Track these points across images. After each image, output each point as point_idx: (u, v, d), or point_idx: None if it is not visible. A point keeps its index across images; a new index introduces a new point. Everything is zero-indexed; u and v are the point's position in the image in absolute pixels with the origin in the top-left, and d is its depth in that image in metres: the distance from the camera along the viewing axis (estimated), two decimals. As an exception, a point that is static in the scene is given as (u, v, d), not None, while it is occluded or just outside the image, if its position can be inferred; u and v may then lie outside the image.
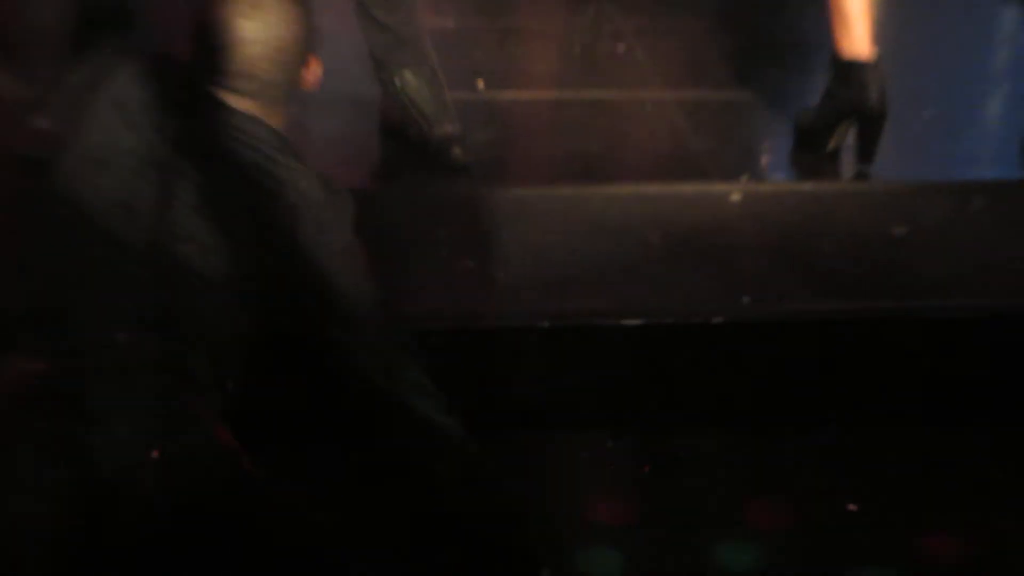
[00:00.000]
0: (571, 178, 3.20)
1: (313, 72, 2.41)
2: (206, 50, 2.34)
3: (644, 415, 2.66)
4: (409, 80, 3.03)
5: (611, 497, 2.46)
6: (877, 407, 2.67)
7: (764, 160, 3.42)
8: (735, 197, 2.94)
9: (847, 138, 3.23)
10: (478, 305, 2.64)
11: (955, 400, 2.69)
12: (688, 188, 3.08)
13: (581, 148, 3.35)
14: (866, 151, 3.21)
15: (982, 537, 2.38)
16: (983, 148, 3.63)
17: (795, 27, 4.19)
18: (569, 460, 2.60)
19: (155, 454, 2.07)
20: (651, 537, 2.35)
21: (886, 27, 3.46)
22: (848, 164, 3.22)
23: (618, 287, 2.75)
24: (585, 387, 2.63)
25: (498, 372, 2.59)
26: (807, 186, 3.26)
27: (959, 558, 2.35)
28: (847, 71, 3.19)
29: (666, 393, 2.66)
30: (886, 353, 2.70)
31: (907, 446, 2.62)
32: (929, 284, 2.77)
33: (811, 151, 3.30)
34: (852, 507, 2.43)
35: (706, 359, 2.66)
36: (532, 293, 2.71)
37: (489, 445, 2.25)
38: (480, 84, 3.54)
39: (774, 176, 3.31)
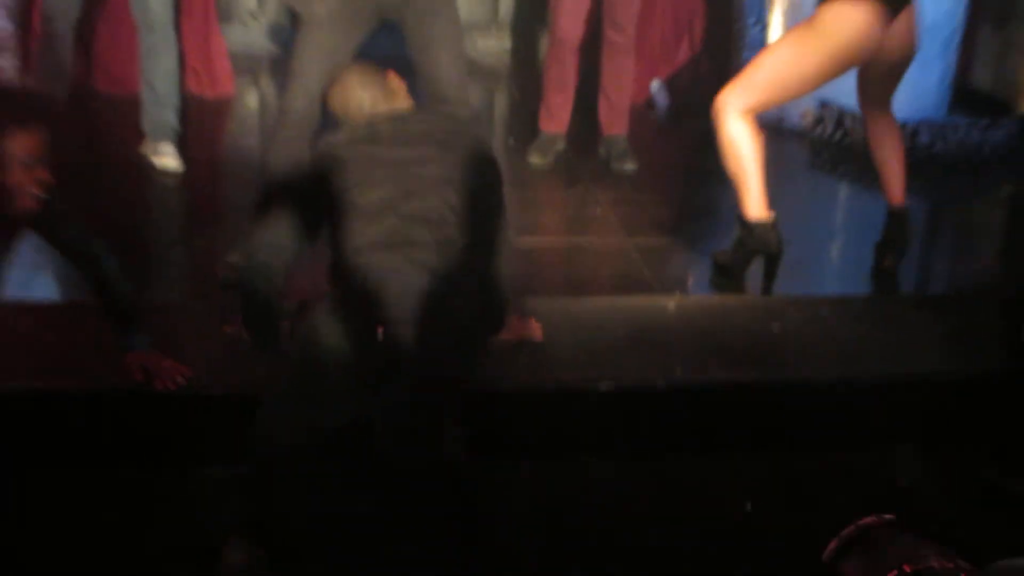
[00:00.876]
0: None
1: None
2: None
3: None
4: None
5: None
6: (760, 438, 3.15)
7: (691, 282, 4.08)
8: (671, 306, 3.59)
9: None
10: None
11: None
12: (640, 299, 3.71)
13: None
14: (768, 279, 3.81)
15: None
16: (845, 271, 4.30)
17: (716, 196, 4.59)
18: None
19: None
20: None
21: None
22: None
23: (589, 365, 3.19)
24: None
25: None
26: (719, 299, 3.88)
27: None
28: (750, 227, 3.74)
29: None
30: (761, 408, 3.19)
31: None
32: (791, 359, 3.32)
33: (728, 279, 3.86)
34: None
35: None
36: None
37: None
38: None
39: (699, 292, 3.96)
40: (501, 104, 6.03)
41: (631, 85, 5.10)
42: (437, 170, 2.63)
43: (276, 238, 2.68)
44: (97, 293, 2.91)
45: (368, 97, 2.78)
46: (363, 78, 2.83)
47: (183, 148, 4.75)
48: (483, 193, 2.70)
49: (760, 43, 5.73)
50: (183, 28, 5.54)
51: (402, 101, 2.84)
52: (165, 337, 3.07)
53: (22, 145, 2.48)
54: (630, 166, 4.95)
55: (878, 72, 3.78)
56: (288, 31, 5.56)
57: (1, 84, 2.65)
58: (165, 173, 4.57)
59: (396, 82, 2.85)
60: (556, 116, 4.97)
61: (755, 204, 3.73)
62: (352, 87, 2.82)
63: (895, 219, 3.97)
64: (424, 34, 3.54)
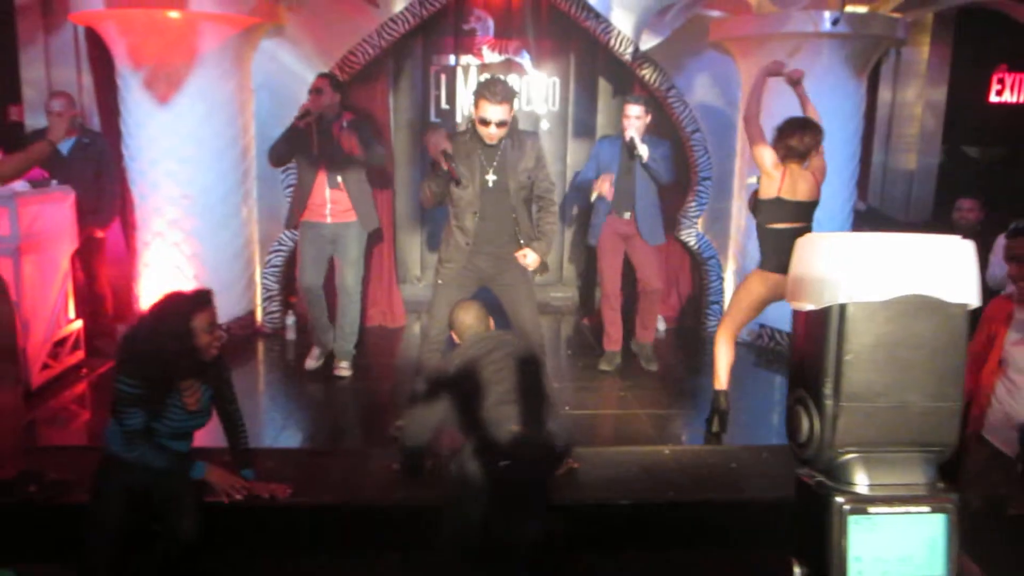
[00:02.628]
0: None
1: None
2: None
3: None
4: None
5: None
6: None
7: (683, 436, 4.02)
8: (666, 451, 3.60)
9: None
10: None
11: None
12: (647, 448, 3.67)
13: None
14: (722, 427, 3.84)
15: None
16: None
17: (695, 385, 4.69)
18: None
19: None
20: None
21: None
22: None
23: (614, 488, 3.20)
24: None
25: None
26: (697, 448, 3.77)
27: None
28: (717, 393, 3.82)
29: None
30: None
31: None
32: (744, 485, 3.28)
33: (710, 430, 3.87)
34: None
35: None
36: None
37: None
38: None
39: (685, 444, 3.92)
40: (565, 330, 6.13)
41: (656, 312, 4.97)
42: (512, 362, 2.73)
43: (426, 410, 2.80)
44: (228, 434, 2.94)
45: (472, 322, 2.93)
46: (468, 312, 2.97)
47: (373, 356, 4.86)
48: (537, 373, 2.79)
49: (719, 291, 5.80)
50: (376, 288, 5.89)
51: (489, 325, 2.97)
52: (355, 471, 3.14)
53: (206, 319, 2.63)
54: (653, 367, 4.82)
55: None
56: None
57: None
58: (341, 378, 4.61)
59: (483, 313, 2.98)
60: (613, 339, 4.83)
61: (717, 380, 3.87)
62: (463, 317, 2.96)
63: None
64: (510, 296, 3.63)
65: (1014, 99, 6.07)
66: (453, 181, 3.40)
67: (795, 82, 3.81)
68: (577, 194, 4.71)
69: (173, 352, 2.56)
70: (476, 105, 3.31)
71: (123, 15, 4.65)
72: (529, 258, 3.47)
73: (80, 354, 4.62)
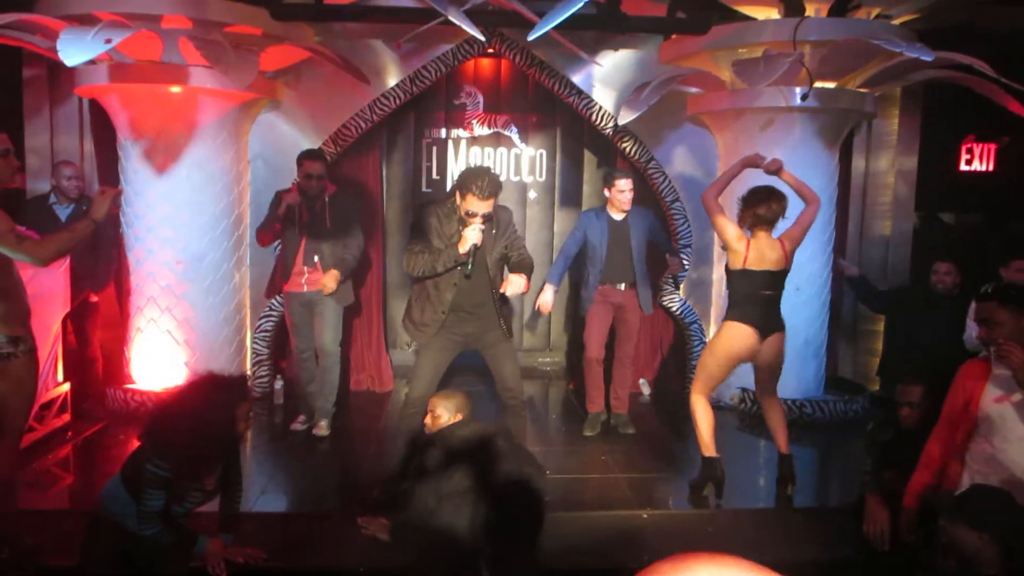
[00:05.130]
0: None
1: None
2: None
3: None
4: None
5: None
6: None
7: (662, 499, 3.89)
8: (644, 515, 3.57)
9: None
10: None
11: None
12: (624, 512, 3.65)
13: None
14: (719, 495, 3.74)
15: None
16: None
17: (675, 451, 4.65)
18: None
19: None
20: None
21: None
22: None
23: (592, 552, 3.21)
24: None
25: None
26: (673, 511, 3.73)
27: None
28: (707, 462, 3.76)
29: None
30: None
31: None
32: (720, 548, 3.33)
33: (696, 495, 3.81)
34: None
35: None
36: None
37: None
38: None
39: (662, 508, 3.82)
40: (553, 395, 6.10)
41: (630, 383, 5.01)
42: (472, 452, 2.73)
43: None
44: (224, 502, 2.87)
45: (444, 414, 3.00)
46: (445, 402, 3.04)
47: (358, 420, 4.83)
48: (497, 457, 2.76)
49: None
50: (365, 353, 5.88)
51: (464, 414, 3.01)
52: (335, 536, 3.08)
53: (247, 407, 2.64)
54: (631, 431, 4.82)
55: (763, 372, 3.85)
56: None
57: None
58: (321, 438, 4.63)
59: (462, 401, 3.04)
60: (596, 402, 4.84)
61: (708, 448, 3.77)
62: (437, 407, 3.03)
63: (784, 461, 3.89)
64: (493, 355, 3.69)
65: (983, 167, 6.21)
66: (461, 267, 3.45)
67: (773, 172, 3.82)
68: (564, 262, 4.72)
69: (215, 440, 2.53)
70: (464, 197, 3.36)
71: (126, 89, 4.80)
72: (514, 283, 3.44)
73: (66, 417, 4.60)
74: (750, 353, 3.69)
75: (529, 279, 3.55)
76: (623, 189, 4.53)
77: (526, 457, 2.95)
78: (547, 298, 4.44)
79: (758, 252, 3.59)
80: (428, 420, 3.03)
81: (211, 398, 2.52)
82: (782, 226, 3.70)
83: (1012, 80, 4.46)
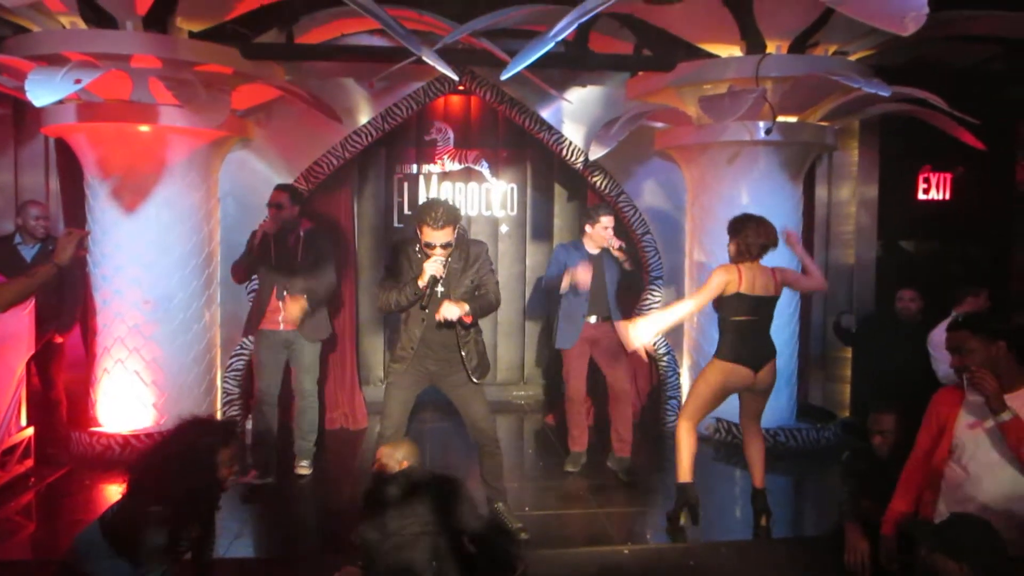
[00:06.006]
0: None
1: None
2: None
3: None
4: None
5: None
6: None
7: (643, 534, 3.90)
8: (625, 551, 3.53)
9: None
10: None
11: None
12: (606, 548, 3.61)
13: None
14: (695, 521, 3.74)
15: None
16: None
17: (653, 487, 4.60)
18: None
19: None
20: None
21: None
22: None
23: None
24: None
25: None
26: (654, 546, 3.70)
27: None
28: (682, 487, 3.75)
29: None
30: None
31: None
32: None
33: (673, 525, 3.80)
34: None
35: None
36: None
37: None
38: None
39: (642, 543, 3.78)
40: (528, 429, 6.05)
41: (631, 423, 4.72)
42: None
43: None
44: (198, 551, 2.74)
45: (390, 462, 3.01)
46: (391, 451, 3.06)
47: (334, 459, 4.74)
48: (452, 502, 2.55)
49: (676, 386, 5.82)
50: (339, 391, 5.78)
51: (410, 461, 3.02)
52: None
53: (228, 455, 2.53)
54: (629, 479, 4.55)
55: (754, 398, 3.85)
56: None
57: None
58: (301, 477, 4.58)
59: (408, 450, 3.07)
60: (578, 441, 4.77)
61: (685, 474, 3.77)
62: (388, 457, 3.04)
63: (758, 496, 3.88)
64: (458, 396, 3.64)
65: (940, 196, 6.41)
66: (420, 302, 3.45)
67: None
68: (540, 296, 4.69)
69: (196, 487, 2.43)
70: (420, 230, 3.37)
71: (95, 128, 4.74)
72: (445, 308, 3.39)
73: (29, 462, 4.46)
74: (745, 386, 3.72)
75: (484, 315, 3.55)
76: (607, 225, 4.53)
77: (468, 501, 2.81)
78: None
79: (750, 277, 3.64)
80: (375, 467, 3.02)
81: (191, 441, 2.45)
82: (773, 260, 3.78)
83: (964, 112, 4.62)
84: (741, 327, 3.66)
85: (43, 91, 3.58)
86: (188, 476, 2.41)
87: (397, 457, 3.02)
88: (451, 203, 3.49)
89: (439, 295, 3.49)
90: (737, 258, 3.69)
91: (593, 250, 4.63)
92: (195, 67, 4.64)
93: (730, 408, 4.06)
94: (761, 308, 3.70)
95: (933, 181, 6.40)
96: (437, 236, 3.34)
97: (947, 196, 6.40)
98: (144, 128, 4.72)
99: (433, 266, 3.37)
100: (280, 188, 4.48)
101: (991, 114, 4.93)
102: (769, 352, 3.75)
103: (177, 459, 2.41)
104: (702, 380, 3.79)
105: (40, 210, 4.69)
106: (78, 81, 3.71)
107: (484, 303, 3.54)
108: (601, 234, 4.53)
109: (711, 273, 3.69)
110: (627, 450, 4.67)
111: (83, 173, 4.98)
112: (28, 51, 4.37)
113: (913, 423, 3.02)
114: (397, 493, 2.35)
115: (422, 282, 3.38)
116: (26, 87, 3.57)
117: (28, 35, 4.55)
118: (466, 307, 3.44)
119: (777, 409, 5.27)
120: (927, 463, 2.94)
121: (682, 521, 3.80)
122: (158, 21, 4.59)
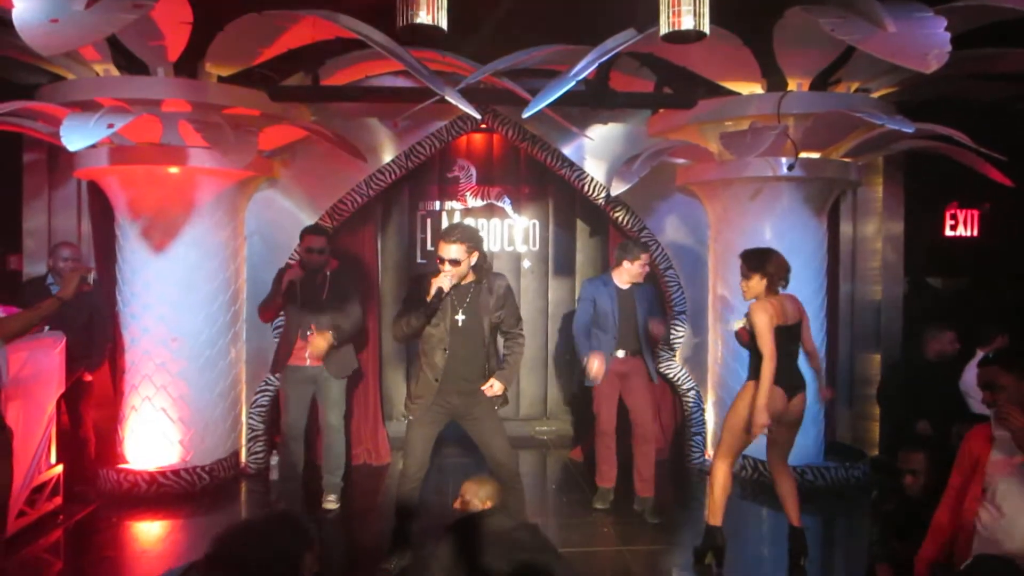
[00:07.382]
0: None
1: None
2: None
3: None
4: None
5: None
6: None
7: (666, 572, 3.90)
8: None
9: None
10: None
11: None
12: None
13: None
14: (719, 564, 3.71)
15: None
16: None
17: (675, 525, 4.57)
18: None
19: None
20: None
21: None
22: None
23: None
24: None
25: None
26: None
27: None
28: (711, 529, 3.75)
29: None
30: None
31: None
32: None
33: (699, 562, 3.77)
34: None
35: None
36: None
37: None
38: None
39: None
40: (551, 465, 6.00)
41: (653, 464, 4.62)
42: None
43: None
44: None
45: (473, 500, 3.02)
46: (476, 488, 3.05)
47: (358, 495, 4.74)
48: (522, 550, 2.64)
49: (701, 422, 5.76)
50: (362, 426, 5.79)
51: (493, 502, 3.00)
52: None
53: (311, 559, 2.27)
54: (656, 520, 4.47)
55: (783, 433, 3.80)
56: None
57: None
58: (329, 511, 4.61)
59: (492, 490, 3.06)
60: (607, 476, 4.74)
61: (716, 516, 3.75)
62: (473, 495, 3.03)
63: (796, 535, 3.81)
64: (479, 429, 3.65)
65: (968, 233, 6.34)
66: (428, 316, 3.49)
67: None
68: (587, 333, 4.64)
69: None
70: (437, 245, 3.49)
71: (126, 171, 4.86)
72: (495, 387, 3.53)
73: (58, 500, 4.50)
74: (778, 414, 3.65)
75: (512, 378, 3.65)
76: (646, 263, 4.55)
77: (552, 551, 2.78)
78: (596, 367, 4.40)
79: (780, 308, 3.64)
80: (457, 504, 3.00)
81: (279, 546, 2.20)
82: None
83: (990, 149, 4.58)
84: (779, 356, 3.61)
85: (77, 136, 3.68)
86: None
87: (481, 496, 2.99)
88: (473, 227, 3.56)
89: (461, 323, 3.51)
90: (768, 291, 3.67)
91: (624, 285, 4.62)
92: (223, 110, 4.76)
93: (757, 447, 4.00)
94: (792, 334, 3.70)
95: (960, 217, 6.37)
96: (447, 251, 3.43)
97: (975, 232, 6.33)
98: (174, 170, 4.83)
99: (441, 280, 3.42)
100: (315, 232, 4.53)
101: (1017, 150, 4.88)
102: (800, 381, 3.73)
103: (259, 564, 2.22)
104: (732, 413, 3.74)
105: (71, 251, 4.79)
106: (111, 126, 3.81)
107: (516, 368, 3.65)
108: (640, 271, 4.56)
109: (753, 316, 3.60)
110: (650, 489, 4.62)
111: (114, 215, 5.10)
112: (62, 98, 4.52)
113: (945, 462, 2.96)
114: (487, 534, 2.49)
115: (429, 297, 3.43)
116: (60, 132, 3.66)
117: (63, 83, 4.70)
118: (502, 386, 3.57)
119: (804, 447, 5.16)
120: (959, 503, 2.86)
121: (707, 560, 3.77)
122: (188, 67, 4.71)
